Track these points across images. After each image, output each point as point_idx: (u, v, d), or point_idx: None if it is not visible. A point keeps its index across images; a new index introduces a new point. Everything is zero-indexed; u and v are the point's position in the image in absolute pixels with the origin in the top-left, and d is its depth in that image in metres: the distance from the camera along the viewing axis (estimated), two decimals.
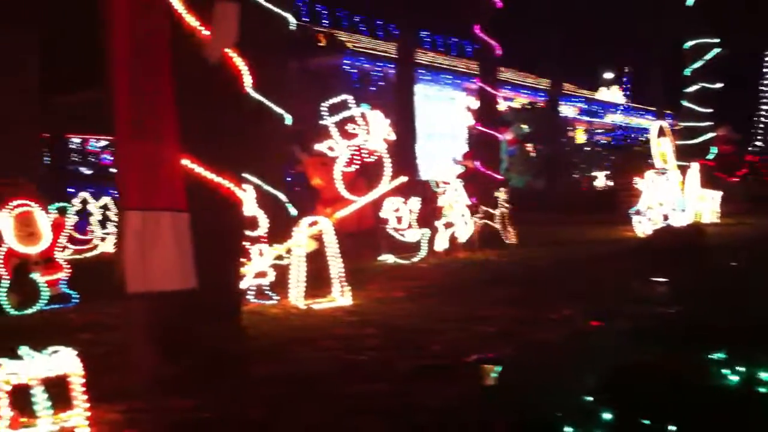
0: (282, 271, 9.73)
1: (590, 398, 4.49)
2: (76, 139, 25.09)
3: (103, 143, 26.63)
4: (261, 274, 9.50)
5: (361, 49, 37.51)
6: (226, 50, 6.05)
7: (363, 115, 10.90)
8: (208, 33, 5.90)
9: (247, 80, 6.36)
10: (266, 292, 9.52)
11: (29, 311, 9.50)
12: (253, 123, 7.55)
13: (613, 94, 58.56)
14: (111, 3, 5.20)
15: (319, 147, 11.21)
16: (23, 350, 4.91)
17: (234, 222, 6.10)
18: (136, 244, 4.74)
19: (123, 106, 4.97)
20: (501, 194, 16.42)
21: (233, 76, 6.13)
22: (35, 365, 4.83)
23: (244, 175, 6.76)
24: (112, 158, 26.42)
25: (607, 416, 4.34)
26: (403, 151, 21.88)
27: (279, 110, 13.73)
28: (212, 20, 5.75)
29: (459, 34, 44.18)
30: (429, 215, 15.00)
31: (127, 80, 5.00)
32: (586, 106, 52.49)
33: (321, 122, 11.17)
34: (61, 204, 11.07)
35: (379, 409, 5.08)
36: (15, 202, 9.64)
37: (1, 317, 9.32)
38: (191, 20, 5.80)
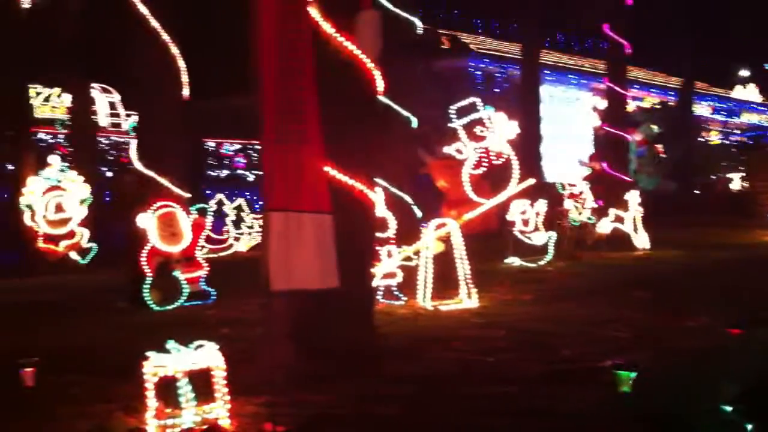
0: (409, 273, 9.86)
1: (729, 408, 4.35)
2: (211, 143, 26.15)
3: (236, 147, 27.63)
4: (390, 275, 9.66)
5: (485, 51, 37.34)
6: (361, 56, 6.19)
7: (489, 117, 10.91)
8: (342, 39, 6.05)
9: (380, 85, 6.49)
10: (394, 292, 9.66)
11: (171, 307, 10.01)
12: (381, 126, 7.69)
13: (749, 92, 55.81)
14: (259, 12, 5.41)
15: (447, 149, 11.29)
16: (170, 344, 5.18)
17: (367, 223, 6.24)
18: (279, 244, 4.93)
19: (269, 111, 5.18)
20: (632, 197, 16.01)
21: (367, 81, 6.28)
22: (181, 358, 5.09)
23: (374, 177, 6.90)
24: (244, 161, 27.40)
25: (747, 426, 4.20)
26: (528, 153, 21.63)
27: (405, 113, 13.87)
28: (356, 29, 5.90)
29: (586, 33, 43.18)
30: (555, 218, 14.81)
31: (273, 86, 5.20)
32: (719, 105, 50.29)
33: (447, 125, 11.25)
34: (201, 205, 11.59)
35: (509, 411, 5.09)
36: (158, 204, 10.17)
37: (145, 312, 9.86)
38: (327, 28, 5.98)
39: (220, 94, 24.48)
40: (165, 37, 10.43)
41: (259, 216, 21.21)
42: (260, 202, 23.18)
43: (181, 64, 10.76)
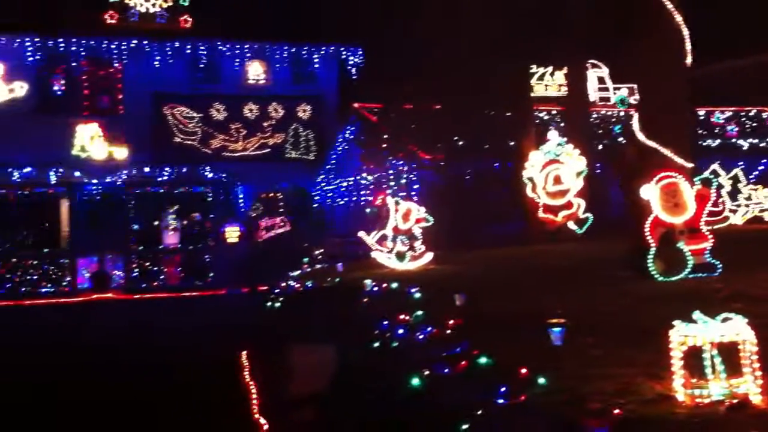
0: None
1: None
2: (700, 111, 25.12)
3: (727, 114, 26.14)
4: None
5: None
6: None
7: None
8: None
9: None
10: None
11: (674, 278, 9.94)
12: None
13: None
14: None
15: None
16: (696, 314, 5.18)
17: None
18: None
19: None
20: None
21: None
22: (709, 329, 5.06)
23: None
24: (737, 129, 25.75)
25: None
26: None
27: None
28: None
29: None
30: None
31: None
32: None
33: None
34: (705, 176, 11.28)
35: None
36: (661, 174, 10.15)
37: (648, 282, 9.95)
38: None
39: (714, 59, 23.38)
40: (669, 6, 10.31)
41: (756, 187, 19.90)
42: (756, 172, 21.75)
43: (685, 32, 10.54)
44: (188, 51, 24.74)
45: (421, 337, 7.94)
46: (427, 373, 6.38)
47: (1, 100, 23.15)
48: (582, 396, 5.28)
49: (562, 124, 20.81)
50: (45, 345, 13.95)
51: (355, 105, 23.24)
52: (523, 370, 5.73)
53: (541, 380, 5.59)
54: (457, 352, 6.76)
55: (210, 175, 23.85)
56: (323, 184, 25.91)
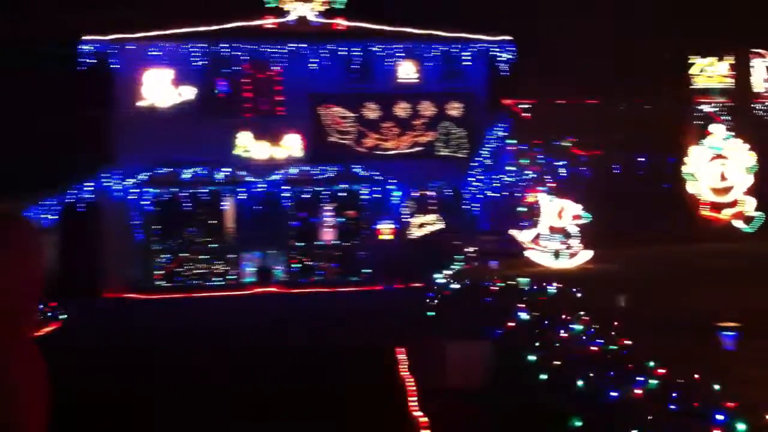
0: None
1: None
2: None
3: None
4: None
5: None
6: None
7: None
8: None
9: None
10: None
11: None
12: None
13: None
14: None
15: None
16: None
17: None
18: None
19: None
20: None
21: None
22: None
23: None
24: None
25: None
26: None
27: None
28: None
29: None
30: None
31: None
32: None
33: None
34: None
35: None
36: None
37: None
38: None
39: None
40: None
41: None
42: None
43: None
44: (342, 52, 25.37)
45: (584, 338, 7.85)
46: (591, 375, 6.32)
47: (171, 104, 24.54)
48: (756, 403, 5.10)
49: (728, 117, 19.86)
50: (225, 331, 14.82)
51: (506, 101, 23.05)
52: (696, 376, 5.58)
53: (716, 386, 5.42)
54: (623, 354, 6.66)
55: (364, 174, 24.38)
56: (474, 182, 25.92)
